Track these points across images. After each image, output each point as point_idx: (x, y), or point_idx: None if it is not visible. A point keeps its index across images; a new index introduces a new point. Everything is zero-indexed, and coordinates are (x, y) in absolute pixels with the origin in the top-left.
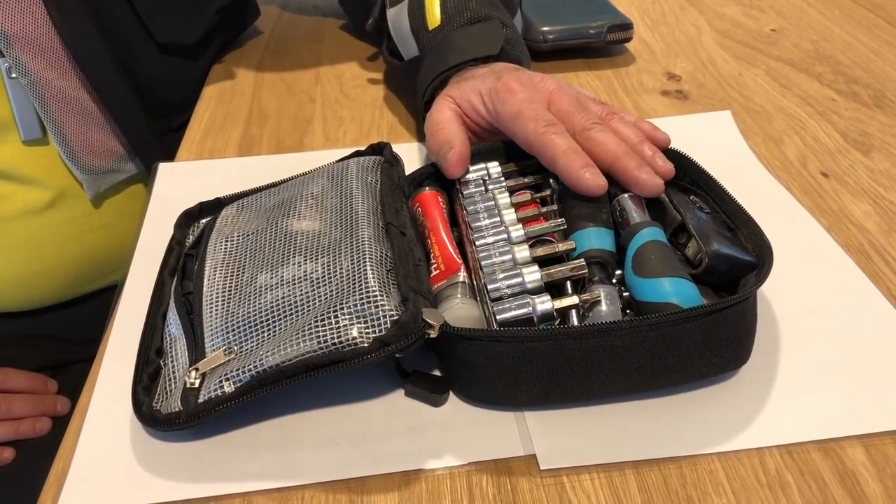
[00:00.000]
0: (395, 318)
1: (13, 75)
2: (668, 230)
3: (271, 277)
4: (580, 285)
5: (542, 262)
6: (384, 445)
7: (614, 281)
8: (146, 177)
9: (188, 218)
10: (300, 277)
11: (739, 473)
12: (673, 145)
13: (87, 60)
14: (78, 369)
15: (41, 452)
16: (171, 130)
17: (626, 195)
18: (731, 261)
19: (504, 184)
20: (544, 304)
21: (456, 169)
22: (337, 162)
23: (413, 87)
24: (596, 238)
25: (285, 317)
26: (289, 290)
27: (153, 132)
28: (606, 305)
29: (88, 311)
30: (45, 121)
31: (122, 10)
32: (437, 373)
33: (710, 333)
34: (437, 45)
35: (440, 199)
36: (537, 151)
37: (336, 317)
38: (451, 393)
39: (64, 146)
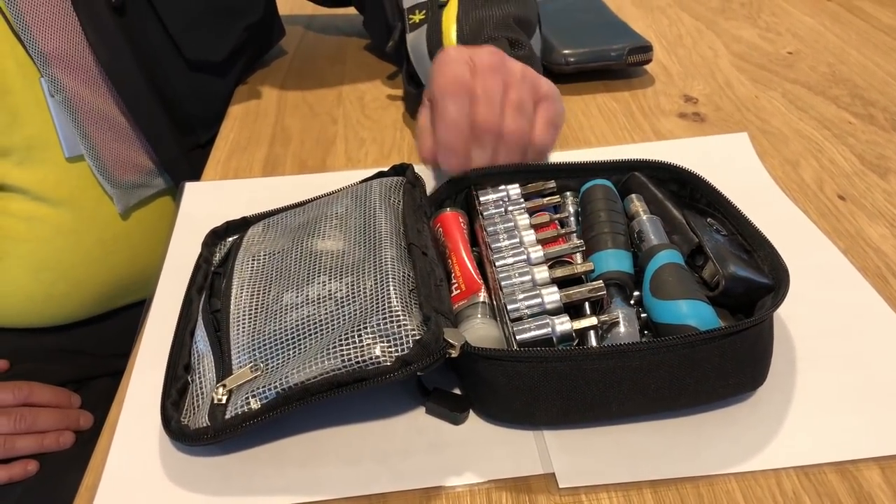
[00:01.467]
0: (418, 337)
1: (54, 95)
2: (686, 252)
3: (297, 296)
4: (598, 306)
5: (561, 282)
6: (405, 462)
7: (632, 302)
8: (174, 191)
9: (215, 236)
10: (325, 296)
11: (756, 494)
12: (689, 167)
13: (119, 78)
14: (101, 384)
15: (64, 466)
16: (199, 146)
17: (644, 217)
18: (748, 283)
19: (523, 205)
20: (563, 324)
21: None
22: (360, 182)
23: None
24: (614, 260)
25: (310, 335)
26: (314, 309)
27: (181, 147)
28: (625, 327)
29: (113, 327)
30: (78, 136)
31: (153, 28)
32: (456, 391)
33: (727, 355)
34: None
35: (461, 220)
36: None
37: (360, 336)
38: (470, 411)
39: (95, 161)
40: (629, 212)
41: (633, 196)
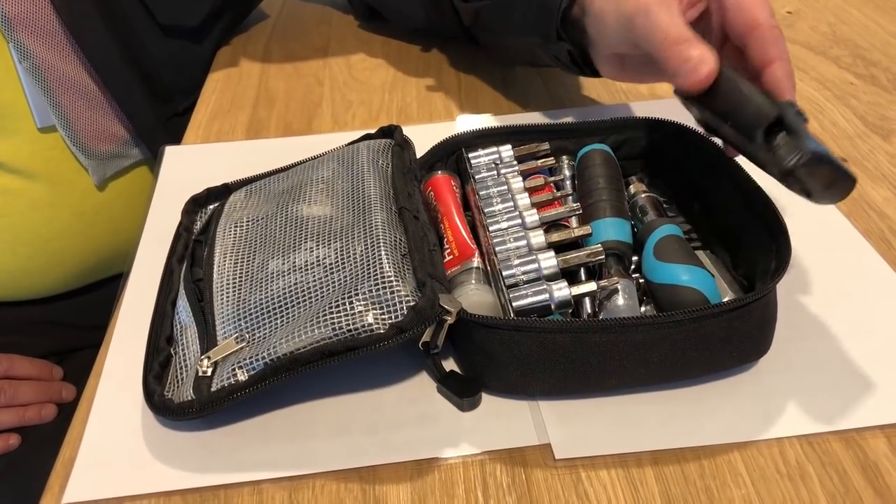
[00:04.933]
0: (412, 303)
1: (22, 62)
2: (761, 128)
3: (283, 263)
4: (596, 274)
5: (557, 248)
6: (396, 434)
7: (632, 268)
8: (152, 162)
9: (195, 204)
10: (313, 263)
11: (759, 464)
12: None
13: (88, 43)
14: (84, 356)
15: (47, 439)
16: (176, 114)
17: (643, 195)
18: (830, 164)
19: (516, 167)
20: (561, 290)
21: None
22: (347, 145)
23: (512, 21)
24: (613, 229)
25: (298, 303)
26: (301, 276)
27: (158, 116)
28: (624, 300)
29: (95, 298)
30: (49, 105)
31: None
32: (451, 360)
33: (733, 328)
34: None
35: (453, 183)
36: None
37: (351, 303)
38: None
39: (68, 131)
40: (629, 192)
41: (633, 178)
